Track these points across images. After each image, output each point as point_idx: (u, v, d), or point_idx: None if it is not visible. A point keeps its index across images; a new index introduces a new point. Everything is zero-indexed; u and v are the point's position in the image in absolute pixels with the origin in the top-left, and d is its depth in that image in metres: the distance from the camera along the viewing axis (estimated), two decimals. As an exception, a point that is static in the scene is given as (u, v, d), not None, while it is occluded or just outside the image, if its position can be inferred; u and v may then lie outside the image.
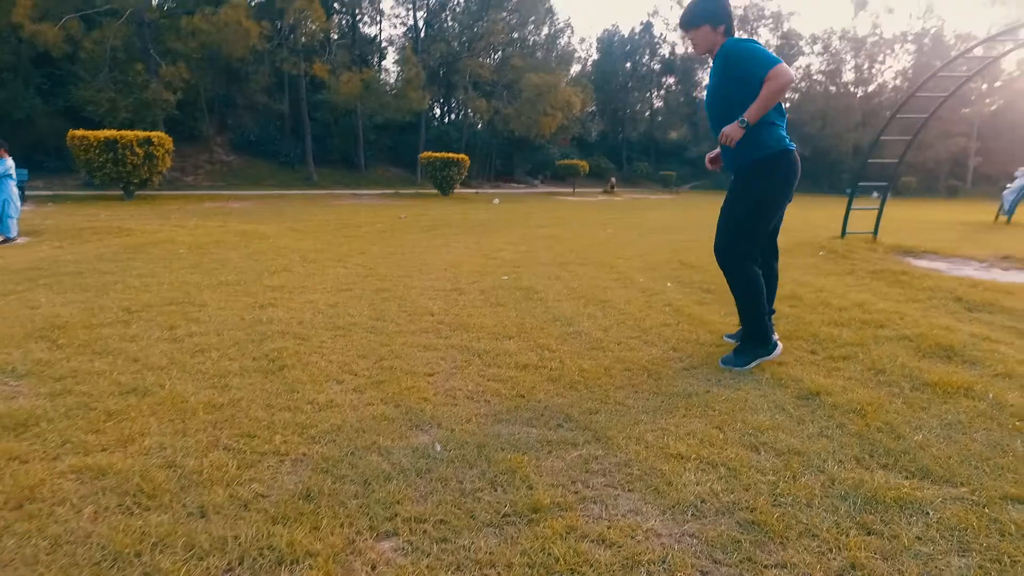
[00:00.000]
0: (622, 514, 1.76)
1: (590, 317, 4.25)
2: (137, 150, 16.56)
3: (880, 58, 53.95)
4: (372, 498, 1.79)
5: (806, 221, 14.50)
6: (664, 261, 7.08)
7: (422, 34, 38.98)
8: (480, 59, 39.06)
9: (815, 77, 54.01)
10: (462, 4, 40.81)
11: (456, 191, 25.38)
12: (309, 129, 32.02)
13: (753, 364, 3.13)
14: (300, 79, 31.15)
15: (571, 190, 35.17)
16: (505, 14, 39.40)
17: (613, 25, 61.16)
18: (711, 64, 3.15)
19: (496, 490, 1.87)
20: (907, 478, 1.97)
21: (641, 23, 58.43)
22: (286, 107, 33.84)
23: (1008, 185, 16.78)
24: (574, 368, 3.09)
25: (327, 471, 1.95)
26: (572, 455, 2.14)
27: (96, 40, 22.90)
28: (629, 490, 1.90)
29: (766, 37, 54.52)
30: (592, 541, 1.62)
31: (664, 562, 1.54)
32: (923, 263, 7.65)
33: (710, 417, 2.50)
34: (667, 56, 57.89)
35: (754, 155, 3.03)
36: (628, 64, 57.98)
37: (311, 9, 27.65)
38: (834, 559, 1.56)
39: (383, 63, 41.34)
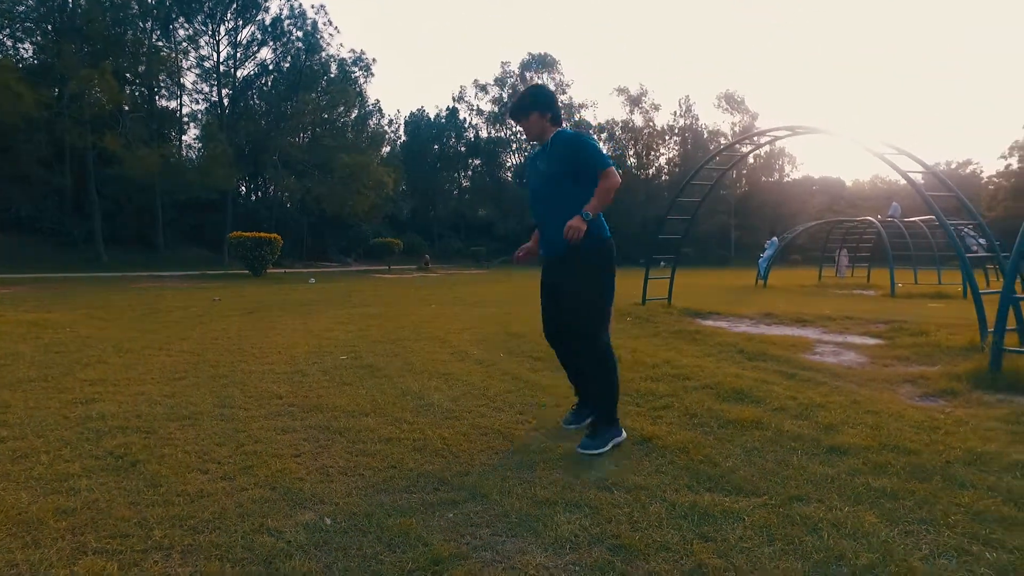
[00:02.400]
0: (512, 555, 1.99)
1: (437, 390, 4.47)
2: None
3: (655, 147, 62.58)
4: (279, 574, 1.84)
5: (611, 290, 16.09)
6: (493, 333, 7.53)
7: (227, 111, 37.66)
8: (290, 138, 38.57)
9: (605, 162, 60.99)
10: (269, 84, 40.33)
11: (268, 271, 24.32)
12: (98, 206, 28.94)
13: (610, 447, 3.04)
14: (87, 151, 28.31)
15: (387, 268, 35.36)
16: (315, 95, 39.59)
17: (419, 108, 63.94)
18: (536, 149, 3.32)
19: (395, 551, 2.01)
20: (726, 495, 2.45)
21: (447, 108, 62.01)
22: (68, 181, 30.34)
23: (760, 255, 20.18)
24: (435, 437, 3.29)
25: (222, 557, 1.94)
26: (455, 512, 2.33)
27: None
28: (513, 535, 2.14)
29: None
30: (493, 581, 1.84)
31: (556, 588, 1.80)
32: (710, 322, 8.96)
33: (565, 467, 2.83)
34: (472, 139, 61.79)
35: (594, 240, 3.08)
36: (436, 146, 61.03)
37: (100, 79, 25.61)
38: (685, 563, 1.93)
39: (184, 138, 39.09)
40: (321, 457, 2.96)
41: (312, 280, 21.28)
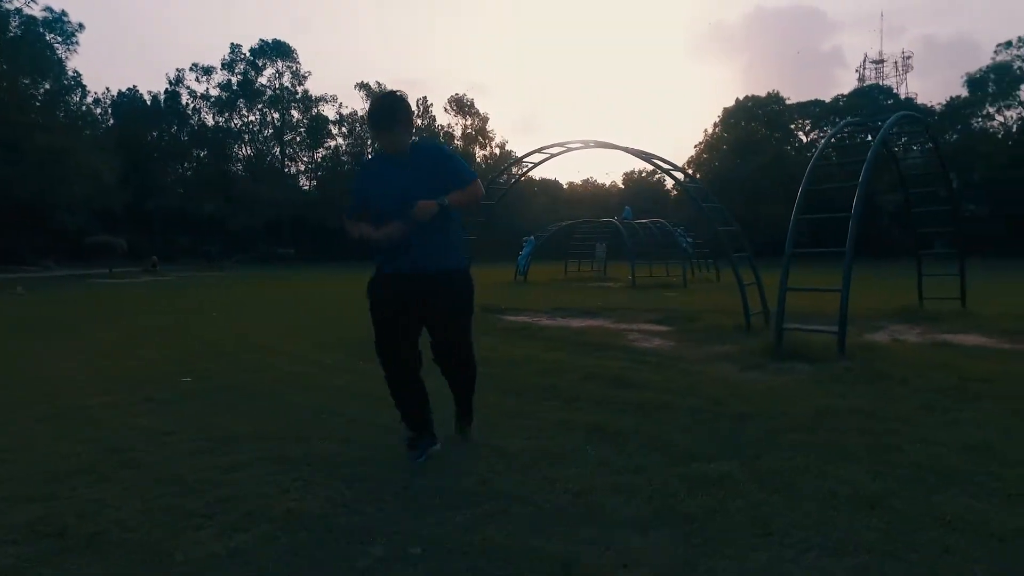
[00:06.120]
0: (631, 551, 2.29)
1: (354, 403, 4.35)
2: None
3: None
4: None
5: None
6: (336, 340, 7.29)
7: None
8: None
9: (343, 158, 59.67)
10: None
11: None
12: None
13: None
14: None
15: (108, 271, 30.38)
16: (-10, 59, 31.97)
17: (131, 88, 55.22)
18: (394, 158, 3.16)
19: (515, 565, 2.17)
20: (708, 463, 3.00)
21: (165, 91, 54.93)
22: None
23: (520, 253, 22.13)
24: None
25: None
26: (512, 518, 2.52)
27: None
28: (614, 531, 2.43)
29: (297, 117, 57.77)
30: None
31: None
32: (514, 317, 9.75)
33: (577, 463, 3.14)
34: (196, 127, 55.74)
35: (462, 263, 3.29)
36: (154, 132, 54.12)
37: None
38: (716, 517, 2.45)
39: None
40: (314, 490, 2.81)
41: (20, 290, 17.27)
